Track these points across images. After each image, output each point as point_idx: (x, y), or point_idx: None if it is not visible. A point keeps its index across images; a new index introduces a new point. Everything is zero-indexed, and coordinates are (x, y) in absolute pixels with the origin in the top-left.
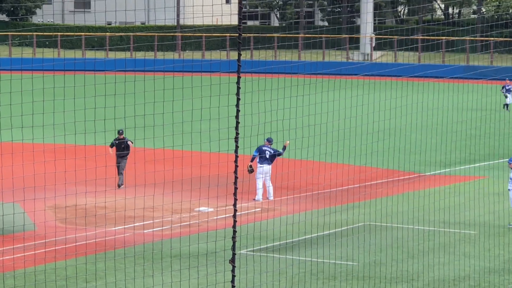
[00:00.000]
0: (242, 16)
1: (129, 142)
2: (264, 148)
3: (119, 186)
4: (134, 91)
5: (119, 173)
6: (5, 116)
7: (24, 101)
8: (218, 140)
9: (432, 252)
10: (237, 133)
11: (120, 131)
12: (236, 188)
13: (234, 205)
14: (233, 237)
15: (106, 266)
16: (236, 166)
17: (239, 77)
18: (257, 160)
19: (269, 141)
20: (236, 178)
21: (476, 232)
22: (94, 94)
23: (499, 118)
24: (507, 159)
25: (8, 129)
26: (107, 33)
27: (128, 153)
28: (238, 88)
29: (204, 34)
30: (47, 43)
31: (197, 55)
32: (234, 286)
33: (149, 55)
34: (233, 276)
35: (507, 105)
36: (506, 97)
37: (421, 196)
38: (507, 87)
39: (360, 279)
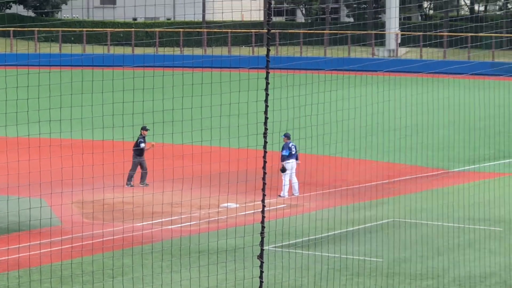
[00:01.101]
0: (270, 11)
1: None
2: (290, 144)
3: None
4: (162, 85)
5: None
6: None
7: (52, 95)
8: (247, 136)
9: (458, 248)
10: (265, 129)
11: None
12: (264, 184)
13: (263, 200)
14: (262, 233)
15: (133, 261)
16: (265, 162)
17: (267, 73)
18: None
19: (288, 136)
20: (264, 173)
21: (503, 229)
22: (122, 88)
23: None
24: None
25: (36, 123)
26: (132, 29)
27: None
28: (267, 83)
29: (230, 30)
30: (72, 38)
31: (221, 50)
32: (263, 282)
33: (175, 51)
34: (261, 271)
35: None
36: None
37: (448, 192)
38: None
39: (385, 275)
